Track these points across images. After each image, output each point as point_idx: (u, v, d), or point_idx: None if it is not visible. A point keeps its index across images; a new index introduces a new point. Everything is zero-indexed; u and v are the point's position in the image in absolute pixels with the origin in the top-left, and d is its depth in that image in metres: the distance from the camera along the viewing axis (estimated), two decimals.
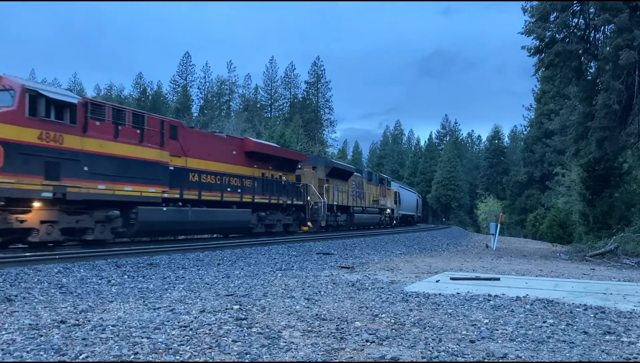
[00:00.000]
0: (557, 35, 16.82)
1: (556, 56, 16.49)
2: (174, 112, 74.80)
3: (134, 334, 4.09)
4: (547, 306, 5.73)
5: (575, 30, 17.13)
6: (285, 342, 3.98)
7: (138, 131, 13.98)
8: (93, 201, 12.56)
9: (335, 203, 26.31)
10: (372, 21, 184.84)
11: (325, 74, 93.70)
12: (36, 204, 11.39)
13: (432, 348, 3.88)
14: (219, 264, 10.15)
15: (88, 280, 7.40)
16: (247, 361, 3.49)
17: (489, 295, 6.43)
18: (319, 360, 3.54)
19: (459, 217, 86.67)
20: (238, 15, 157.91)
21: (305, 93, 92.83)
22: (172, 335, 4.11)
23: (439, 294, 6.51)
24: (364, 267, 10.21)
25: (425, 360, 3.59)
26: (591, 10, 16.73)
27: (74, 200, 12.02)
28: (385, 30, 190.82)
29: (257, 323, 4.64)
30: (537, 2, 17.31)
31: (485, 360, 3.60)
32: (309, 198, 23.54)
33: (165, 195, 14.64)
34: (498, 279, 8.29)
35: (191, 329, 4.32)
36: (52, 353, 3.54)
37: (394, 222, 40.38)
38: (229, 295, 6.21)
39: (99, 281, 7.32)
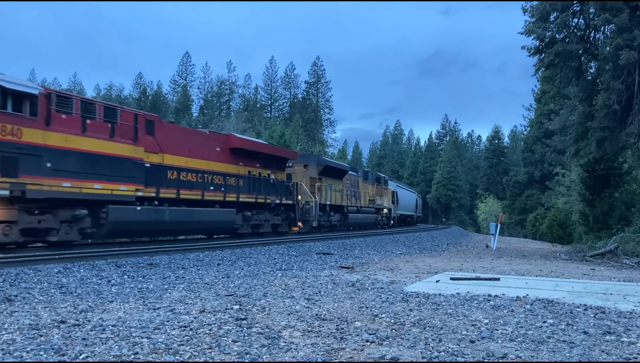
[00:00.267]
0: (557, 36, 16.82)
1: (556, 56, 16.49)
2: (174, 112, 74.94)
3: (134, 334, 4.09)
4: (547, 307, 5.73)
5: (575, 30, 17.13)
6: (285, 342, 3.98)
7: (109, 126, 13.13)
8: (57, 199, 11.75)
9: (328, 203, 25.60)
10: (372, 21, 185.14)
11: (325, 74, 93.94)
12: None
13: (432, 348, 3.88)
14: (219, 264, 10.15)
15: (88, 280, 7.40)
16: (247, 361, 3.49)
17: (489, 295, 6.42)
18: (319, 360, 3.54)
19: (459, 217, 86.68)
20: (238, 15, 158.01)
21: (305, 93, 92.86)
22: (172, 335, 4.11)
23: (439, 294, 6.51)
24: (364, 267, 10.21)
25: (425, 360, 3.59)
26: (591, 10, 16.73)
27: (35, 199, 11.25)
28: (385, 30, 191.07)
29: (257, 323, 4.64)
30: (537, 2, 17.31)
31: (485, 360, 3.60)
32: (299, 197, 22.75)
33: (140, 194, 13.82)
34: (498, 279, 8.28)
35: (191, 329, 4.32)
36: (52, 353, 3.54)
37: (392, 222, 39.74)
38: (229, 295, 6.21)
39: (99, 281, 7.32)
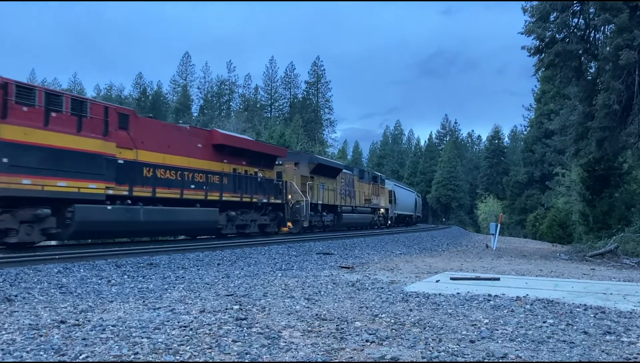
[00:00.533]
0: (557, 35, 16.82)
1: (556, 56, 16.49)
2: (174, 112, 74.94)
3: (134, 334, 4.09)
4: (547, 306, 5.73)
5: (575, 30, 17.13)
6: (285, 342, 3.98)
7: (76, 119, 12.27)
8: (15, 198, 10.91)
9: (320, 202, 24.67)
10: (372, 21, 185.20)
11: (325, 74, 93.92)
12: None
13: (432, 348, 3.88)
14: (219, 264, 10.15)
15: (88, 280, 7.40)
16: (247, 361, 3.49)
17: (489, 295, 6.42)
18: (319, 360, 3.54)
19: (459, 217, 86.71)
20: (238, 15, 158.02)
21: (305, 93, 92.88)
22: (172, 335, 4.11)
23: (439, 294, 6.51)
24: (364, 267, 10.21)
25: (425, 360, 3.59)
26: (591, 10, 16.74)
27: None
28: (385, 30, 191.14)
29: (257, 323, 4.64)
30: (537, 2, 17.31)
31: (485, 360, 3.60)
32: (290, 196, 21.96)
33: (111, 192, 12.96)
34: (498, 279, 8.29)
35: (191, 329, 4.32)
36: (52, 353, 3.54)
37: (389, 222, 38.74)
38: (229, 295, 6.21)
39: (99, 281, 7.32)
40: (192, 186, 15.85)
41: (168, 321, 4.61)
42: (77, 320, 4.60)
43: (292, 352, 3.73)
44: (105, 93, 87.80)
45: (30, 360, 3.41)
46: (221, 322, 4.62)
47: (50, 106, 11.71)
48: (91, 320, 4.65)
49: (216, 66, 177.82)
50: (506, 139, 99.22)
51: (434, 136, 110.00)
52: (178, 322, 4.56)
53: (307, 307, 5.51)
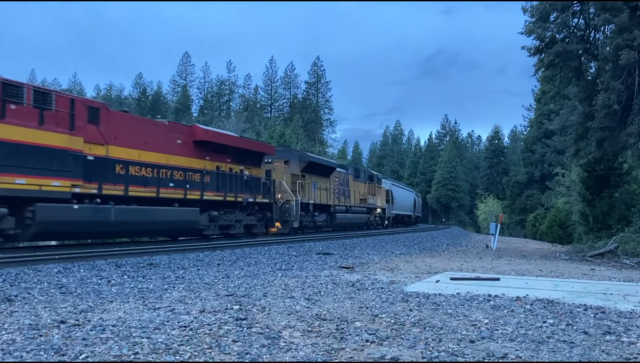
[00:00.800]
0: (557, 36, 16.82)
1: (556, 56, 16.49)
2: (174, 112, 74.94)
3: (134, 334, 4.09)
4: (547, 307, 5.73)
5: (575, 30, 17.14)
6: (285, 342, 3.98)
7: (38, 112, 11.57)
8: None
9: (312, 201, 23.88)
10: (372, 21, 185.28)
11: (325, 74, 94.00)
12: None
13: (432, 348, 3.88)
14: (218, 264, 10.15)
15: (88, 280, 7.40)
16: (247, 361, 3.49)
17: (489, 295, 6.42)
18: (319, 360, 3.54)
19: (459, 217, 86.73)
20: (238, 15, 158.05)
21: (305, 93, 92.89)
22: (172, 335, 4.11)
23: (439, 294, 6.50)
24: (364, 267, 10.21)
25: (425, 360, 3.59)
26: (591, 10, 16.74)
27: None
28: (385, 30, 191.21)
29: (257, 323, 4.64)
30: (537, 2, 17.32)
31: (485, 360, 3.60)
32: (280, 195, 21.28)
33: (77, 190, 12.16)
34: (498, 279, 8.28)
35: (191, 329, 4.32)
36: (52, 353, 3.54)
37: (386, 223, 37.95)
38: (229, 295, 6.21)
39: (99, 281, 7.32)
40: (171, 185, 15.15)
41: (168, 321, 4.61)
42: (77, 320, 4.60)
43: (292, 352, 3.73)
44: (105, 93, 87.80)
45: (30, 360, 3.41)
46: (221, 322, 4.61)
47: (8, 98, 11.05)
48: (91, 320, 4.65)
49: (216, 66, 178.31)
50: (506, 139, 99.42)
51: (434, 136, 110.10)
52: (178, 322, 4.56)
53: (307, 307, 5.51)
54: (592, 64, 18.56)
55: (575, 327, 4.69)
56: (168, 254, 11.76)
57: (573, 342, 4.12)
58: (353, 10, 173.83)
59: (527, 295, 6.49)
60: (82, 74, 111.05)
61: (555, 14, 16.75)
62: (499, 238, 21.95)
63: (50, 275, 7.77)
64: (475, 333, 4.41)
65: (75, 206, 12.15)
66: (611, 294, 6.75)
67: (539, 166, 58.21)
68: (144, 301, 5.72)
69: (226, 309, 5.25)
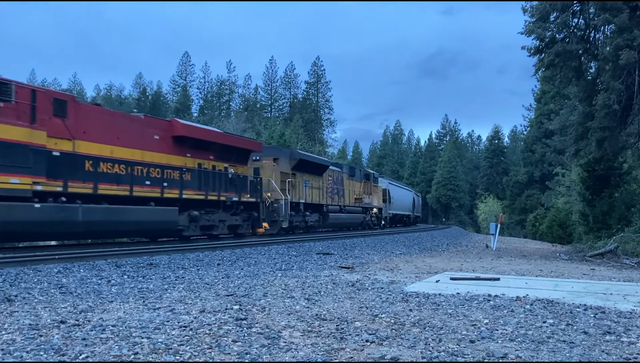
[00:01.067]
0: (557, 36, 16.82)
1: (556, 56, 16.49)
2: (174, 112, 74.92)
3: (134, 334, 4.09)
4: (547, 307, 5.73)
5: (575, 30, 17.13)
6: (285, 342, 3.98)
7: None
8: None
9: (302, 201, 23.03)
10: (372, 21, 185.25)
11: (325, 74, 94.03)
12: None
13: (432, 348, 3.88)
14: (218, 264, 10.15)
15: (88, 280, 7.40)
16: (247, 361, 3.49)
17: (489, 295, 6.42)
18: (319, 360, 3.54)
19: (459, 217, 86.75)
20: (238, 15, 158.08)
21: (305, 93, 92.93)
22: (172, 335, 4.11)
23: (439, 294, 6.51)
24: (364, 267, 10.21)
25: (425, 360, 3.59)
26: (591, 10, 16.74)
27: None
28: (386, 30, 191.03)
29: (257, 323, 4.64)
30: (537, 2, 17.31)
31: (485, 360, 3.60)
32: (269, 194, 20.46)
33: (39, 188, 11.34)
34: (498, 279, 8.28)
35: (191, 329, 4.32)
36: (52, 353, 3.54)
37: (382, 223, 36.98)
38: (229, 295, 6.21)
39: (99, 281, 7.32)
40: (148, 183, 14.30)
41: (168, 321, 4.61)
42: (77, 320, 4.60)
43: (292, 352, 3.73)
44: (105, 93, 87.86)
45: (30, 360, 3.41)
46: (221, 322, 4.62)
47: None
48: (91, 320, 4.65)
49: (216, 66, 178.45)
50: (506, 139, 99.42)
51: (434, 136, 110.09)
52: (178, 322, 4.56)
53: (307, 307, 5.51)
54: (592, 64, 18.56)
55: (575, 327, 4.69)
56: (168, 254, 11.76)
57: (573, 342, 4.12)
58: (353, 10, 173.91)
59: (527, 295, 6.49)
60: (82, 74, 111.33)
61: (555, 14, 16.75)
62: (499, 238, 21.95)
63: (50, 275, 7.77)
64: (475, 333, 4.41)
65: (37, 205, 11.30)
66: (611, 294, 6.75)
67: (539, 166, 58.23)
68: (144, 301, 5.72)
69: (226, 309, 5.25)
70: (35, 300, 5.73)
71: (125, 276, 7.92)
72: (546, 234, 38.38)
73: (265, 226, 19.98)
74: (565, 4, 16.49)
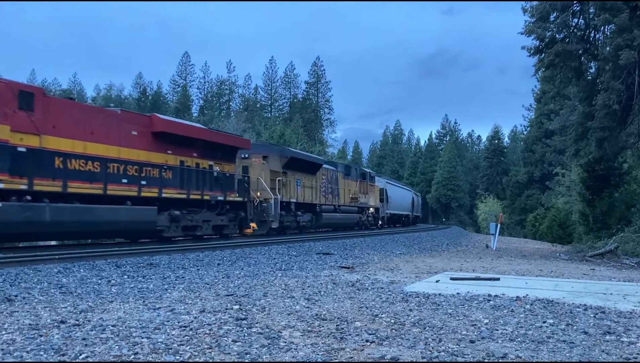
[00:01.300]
0: (557, 36, 16.83)
1: (556, 56, 16.50)
2: (174, 112, 74.97)
3: (134, 334, 4.09)
4: (547, 307, 5.73)
5: (575, 30, 17.14)
6: (285, 342, 3.98)
7: None
8: None
9: (294, 200, 22.41)
10: (373, 21, 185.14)
11: (325, 74, 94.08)
12: None
13: (432, 348, 3.88)
14: (218, 264, 10.15)
15: (88, 280, 7.40)
16: (247, 361, 3.49)
17: (489, 295, 6.43)
18: (319, 360, 3.54)
19: (459, 217, 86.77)
20: (238, 15, 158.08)
21: (305, 93, 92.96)
22: (172, 335, 4.11)
23: (439, 294, 6.51)
24: (364, 267, 10.21)
25: (425, 360, 3.59)
26: (591, 10, 16.74)
27: None
28: (386, 30, 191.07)
29: (257, 323, 4.64)
30: (537, 2, 17.32)
31: (485, 360, 3.60)
32: (258, 193, 19.90)
33: (0, 185, 10.77)
34: (498, 279, 8.29)
35: (191, 329, 4.32)
36: (52, 353, 3.54)
37: (380, 223, 36.15)
38: (229, 295, 6.21)
39: (99, 281, 7.32)
40: (124, 181, 13.60)
41: (168, 321, 4.61)
42: (77, 320, 4.60)
43: (292, 352, 3.73)
44: (105, 93, 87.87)
45: (30, 360, 3.41)
46: (221, 322, 4.62)
47: None
48: (91, 320, 4.65)
49: (216, 66, 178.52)
50: (506, 139, 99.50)
51: (434, 136, 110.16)
52: (178, 322, 4.56)
53: (307, 307, 5.51)
54: (592, 64, 18.56)
55: (575, 327, 4.69)
56: (168, 254, 11.76)
57: (573, 342, 4.12)
58: (353, 10, 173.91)
59: (527, 295, 6.49)
60: (82, 74, 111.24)
61: (555, 14, 16.76)
62: (499, 238, 21.95)
63: (50, 275, 7.77)
64: (475, 333, 4.41)
65: None
66: (611, 294, 6.76)
67: (539, 166, 58.25)
68: (144, 301, 5.72)
69: (226, 309, 5.25)
70: (35, 300, 5.73)
71: (125, 276, 7.92)
72: (546, 234, 38.37)
73: (253, 227, 19.31)
74: (565, 4, 16.50)
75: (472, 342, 4.10)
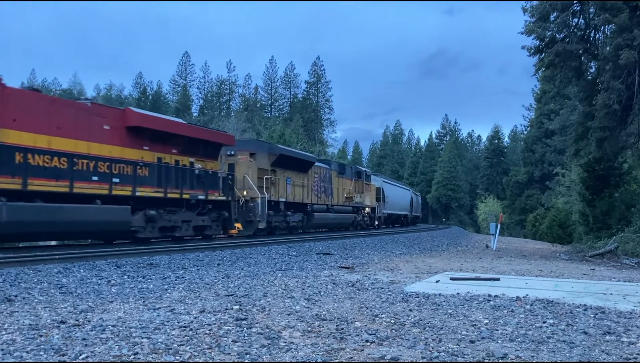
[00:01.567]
0: (557, 35, 16.83)
1: (556, 56, 16.50)
2: (174, 112, 74.97)
3: (134, 334, 4.09)
4: (547, 307, 5.73)
5: (575, 30, 17.14)
6: (285, 342, 3.98)
7: None
8: None
9: (283, 199, 21.48)
10: (373, 21, 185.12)
11: (326, 74, 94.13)
12: None
13: (432, 348, 3.88)
14: (218, 264, 10.15)
15: (88, 280, 7.40)
16: (247, 361, 3.49)
17: (489, 295, 6.42)
18: (319, 360, 3.54)
19: (459, 217, 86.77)
20: (238, 15, 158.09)
21: (305, 93, 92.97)
22: (172, 335, 4.11)
23: (439, 294, 6.50)
24: (364, 267, 10.21)
25: (425, 360, 3.59)
26: (591, 10, 16.74)
27: None
28: (387, 30, 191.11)
29: (257, 323, 4.64)
30: (537, 2, 17.33)
31: (485, 360, 3.60)
32: (245, 192, 19.02)
33: None
34: (498, 279, 8.28)
35: (191, 329, 4.32)
36: (52, 353, 3.54)
37: (376, 223, 35.31)
38: (229, 295, 6.21)
39: (99, 282, 7.32)
40: (95, 178, 12.76)
41: (168, 321, 4.61)
42: (77, 320, 4.60)
43: (292, 352, 3.73)
44: (105, 93, 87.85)
45: (30, 360, 3.41)
46: (221, 322, 4.62)
47: None
48: (91, 320, 4.65)
49: (216, 66, 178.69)
50: (506, 139, 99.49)
51: (434, 136, 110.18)
52: (178, 322, 4.56)
53: (307, 307, 5.51)
54: (592, 64, 18.56)
55: (575, 327, 4.70)
56: (168, 254, 11.77)
57: (573, 342, 4.12)
58: (353, 10, 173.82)
59: (527, 295, 6.49)
60: (82, 74, 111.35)
61: (555, 14, 16.76)
62: (499, 238, 21.95)
63: (50, 275, 7.77)
64: (475, 333, 4.41)
65: None
66: (611, 294, 6.76)
67: (539, 166, 58.24)
68: (144, 302, 5.72)
69: (226, 309, 5.25)
70: (35, 300, 5.73)
71: (125, 277, 7.92)
72: (546, 234, 38.36)
73: (238, 227, 18.32)
74: (565, 4, 16.50)
75: (472, 342, 4.10)
